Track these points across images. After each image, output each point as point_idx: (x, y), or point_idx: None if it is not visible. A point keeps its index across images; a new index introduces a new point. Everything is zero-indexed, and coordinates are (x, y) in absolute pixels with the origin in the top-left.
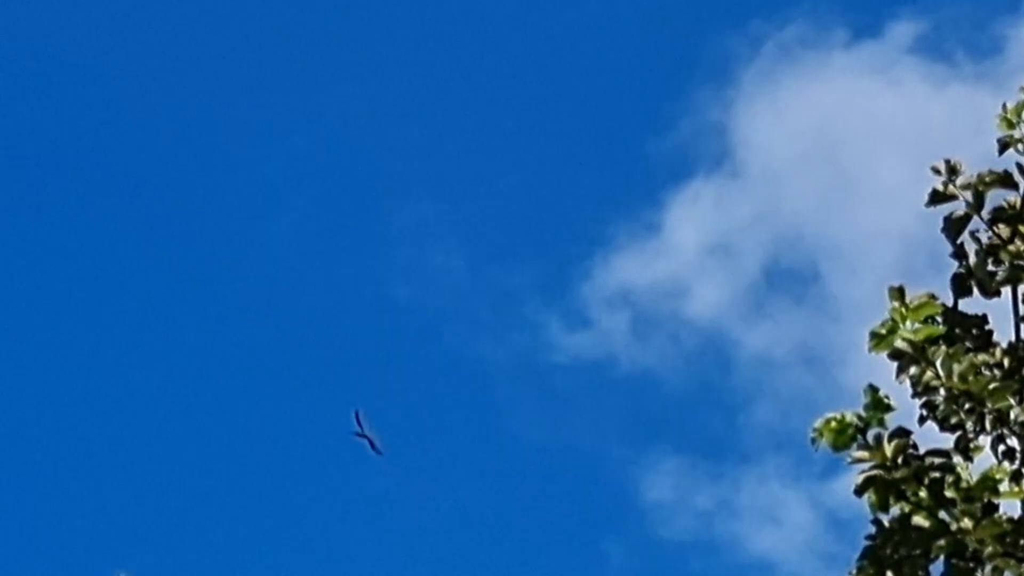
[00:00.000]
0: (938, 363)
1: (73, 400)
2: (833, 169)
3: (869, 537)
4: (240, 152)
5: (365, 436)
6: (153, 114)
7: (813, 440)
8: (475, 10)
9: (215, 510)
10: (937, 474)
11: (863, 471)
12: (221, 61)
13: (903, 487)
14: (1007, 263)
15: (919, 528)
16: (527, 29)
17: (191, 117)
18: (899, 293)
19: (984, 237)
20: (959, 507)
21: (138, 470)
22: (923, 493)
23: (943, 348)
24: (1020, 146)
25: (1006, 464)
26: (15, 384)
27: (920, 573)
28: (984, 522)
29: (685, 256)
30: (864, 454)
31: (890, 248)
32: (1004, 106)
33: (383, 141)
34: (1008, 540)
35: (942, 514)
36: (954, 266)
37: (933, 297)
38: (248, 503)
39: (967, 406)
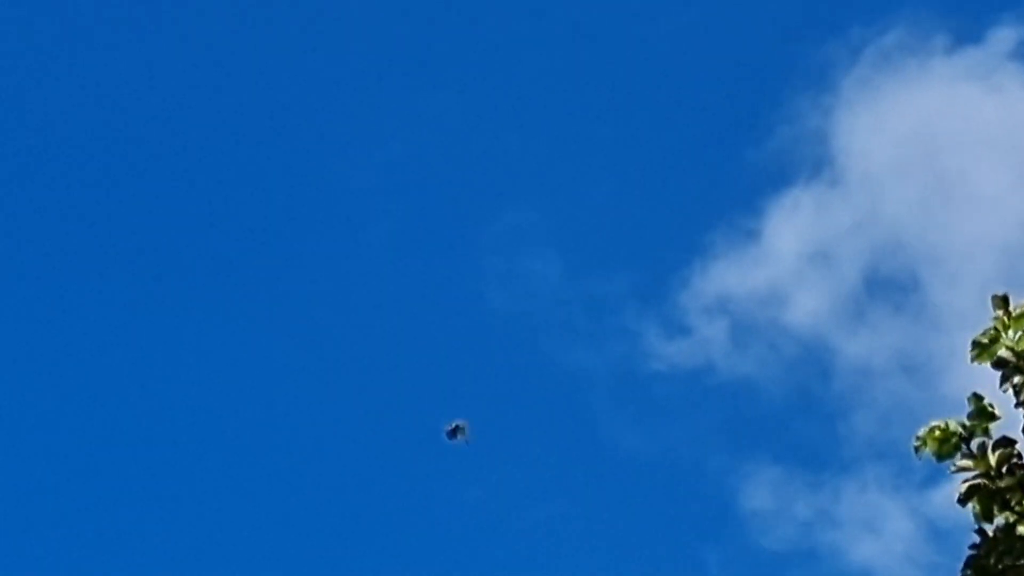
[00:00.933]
0: None
1: (183, 402)
2: (933, 176)
3: (973, 547)
4: (337, 160)
5: (455, 430)
6: (253, 121)
7: (916, 448)
8: (574, 19)
9: (314, 515)
10: None
11: (967, 480)
12: (318, 68)
13: (1008, 496)
14: None
15: None
16: (626, 37)
17: (289, 124)
18: (1002, 302)
19: None
20: None
21: (236, 474)
22: None
23: None
24: None
25: None
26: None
27: None
28: None
29: (784, 263)
30: (968, 463)
31: (991, 255)
32: None
33: (480, 148)
34: None
35: None
36: None
37: None
38: (345, 509)
39: None
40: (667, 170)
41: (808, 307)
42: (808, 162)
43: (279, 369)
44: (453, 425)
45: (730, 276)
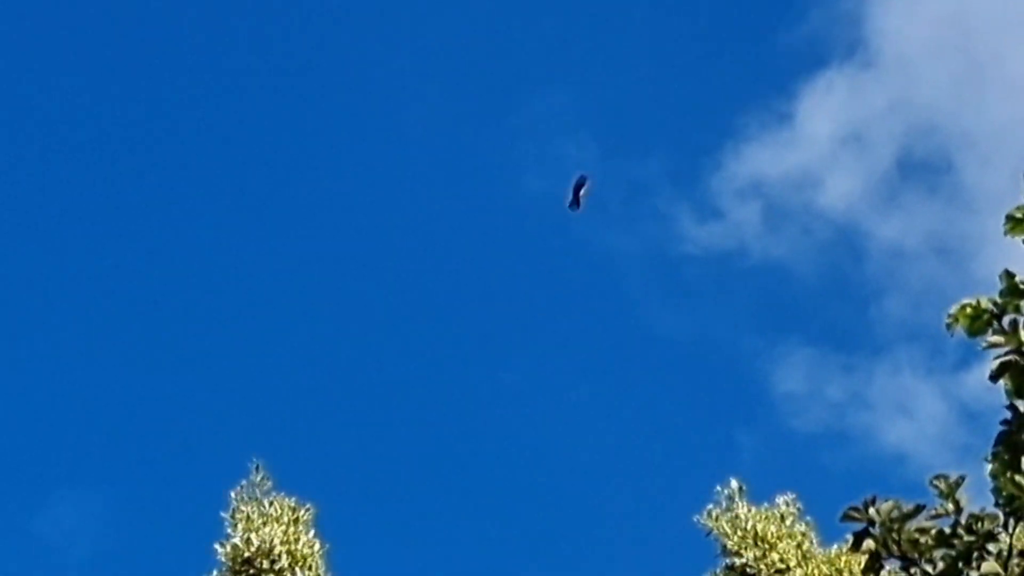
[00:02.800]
0: None
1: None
2: (967, 58)
3: (1004, 423)
4: (372, 45)
5: (579, 194)
6: (289, 5)
7: (948, 326)
8: None
9: (353, 402)
10: None
11: (998, 356)
12: None
13: None
14: None
15: None
16: None
17: (323, 6)
18: None
19: None
20: None
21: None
22: None
23: None
24: None
25: None
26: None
27: None
28: None
29: (817, 147)
30: (1000, 339)
31: None
32: None
33: (515, 32)
34: None
35: None
36: None
37: None
38: (379, 396)
39: None
40: (701, 53)
41: (841, 190)
42: (842, 44)
43: (311, 254)
44: (578, 185)
45: (763, 159)
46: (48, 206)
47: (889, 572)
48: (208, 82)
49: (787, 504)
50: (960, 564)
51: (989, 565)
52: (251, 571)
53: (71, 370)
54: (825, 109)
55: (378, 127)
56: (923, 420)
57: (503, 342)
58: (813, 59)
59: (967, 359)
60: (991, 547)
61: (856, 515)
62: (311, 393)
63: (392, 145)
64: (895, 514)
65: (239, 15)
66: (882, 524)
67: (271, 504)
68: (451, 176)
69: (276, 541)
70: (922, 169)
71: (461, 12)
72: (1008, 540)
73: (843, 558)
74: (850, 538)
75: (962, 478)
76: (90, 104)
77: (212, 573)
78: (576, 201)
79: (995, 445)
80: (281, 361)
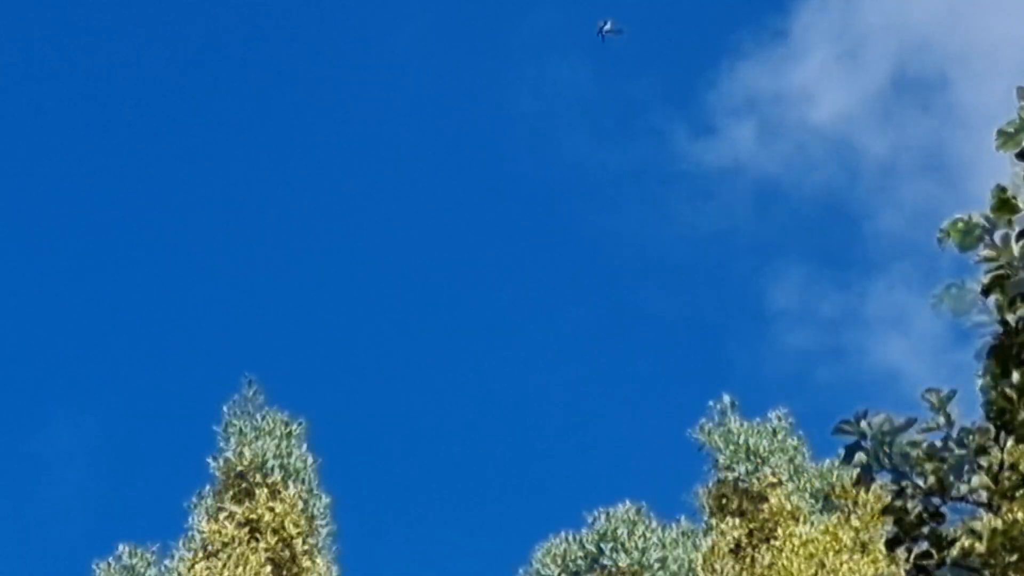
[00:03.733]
0: None
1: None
2: None
3: (995, 336)
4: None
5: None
6: None
7: (939, 240)
8: None
9: (345, 320)
10: None
11: (990, 271)
12: None
13: None
14: None
15: None
16: None
17: None
18: None
19: None
20: None
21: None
22: None
23: None
24: None
25: None
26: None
27: None
28: None
29: (812, 63)
30: (991, 253)
31: (1019, 54)
32: None
33: None
34: None
35: None
36: None
37: None
38: (370, 312)
39: None
40: None
41: (835, 107)
42: None
43: (304, 178)
44: (606, 27)
45: (757, 76)
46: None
47: (880, 485)
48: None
49: (779, 419)
50: (951, 477)
51: (980, 479)
52: (244, 484)
53: (65, 292)
54: (820, 26)
55: (372, 50)
56: (917, 336)
57: (499, 260)
58: None
59: (961, 275)
60: (982, 461)
61: (848, 429)
62: (303, 310)
63: (384, 68)
64: (886, 427)
65: None
66: (873, 437)
67: (263, 418)
68: (444, 97)
69: (269, 455)
70: (916, 86)
71: None
72: (999, 454)
73: (835, 472)
74: (842, 452)
75: (953, 392)
76: (79, 100)
77: (205, 487)
78: (603, 34)
79: (986, 357)
80: (274, 279)
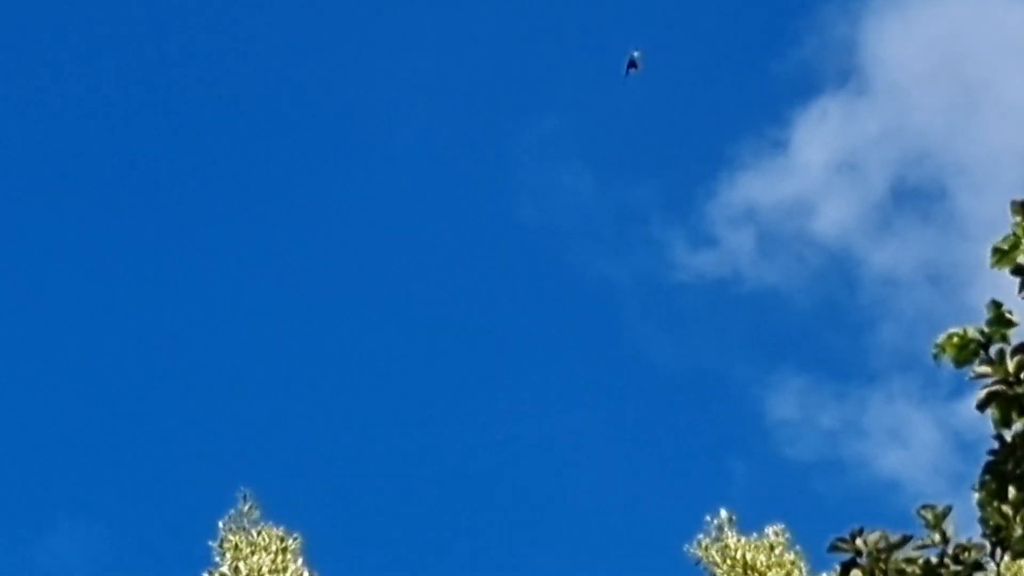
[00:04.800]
0: None
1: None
2: (961, 84)
3: (991, 452)
4: (368, 71)
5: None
6: (286, 34)
7: (935, 356)
8: None
9: (342, 429)
10: None
11: (985, 386)
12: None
13: None
14: None
15: None
16: None
17: (322, 36)
18: (1022, 208)
19: None
20: None
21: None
22: None
23: None
24: None
25: None
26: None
27: None
28: None
29: (811, 174)
30: (986, 369)
31: (1018, 163)
32: None
33: (508, 57)
34: None
35: None
36: None
37: None
38: (371, 424)
39: None
40: (695, 80)
41: (835, 217)
42: (835, 71)
43: (306, 278)
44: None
45: (757, 186)
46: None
47: None
48: (209, 99)
49: (776, 534)
50: None
51: None
52: None
53: (69, 404)
54: (819, 136)
55: (376, 156)
56: (917, 448)
57: (497, 369)
58: (807, 86)
59: (960, 387)
60: None
61: (843, 546)
62: (299, 424)
63: (387, 173)
64: (882, 545)
65: (238, 39)
66: (869, 555)
67: (259, 533)
68: (446, 204)
69: (264, 570)
70: (915, 196)
71: (455, 40)
72: (995, 570)
73: None
74: (838, 569)
75: (948, 508)
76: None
77: None
78: (628, 70)
79: (983, 474)
80: (270, 392)
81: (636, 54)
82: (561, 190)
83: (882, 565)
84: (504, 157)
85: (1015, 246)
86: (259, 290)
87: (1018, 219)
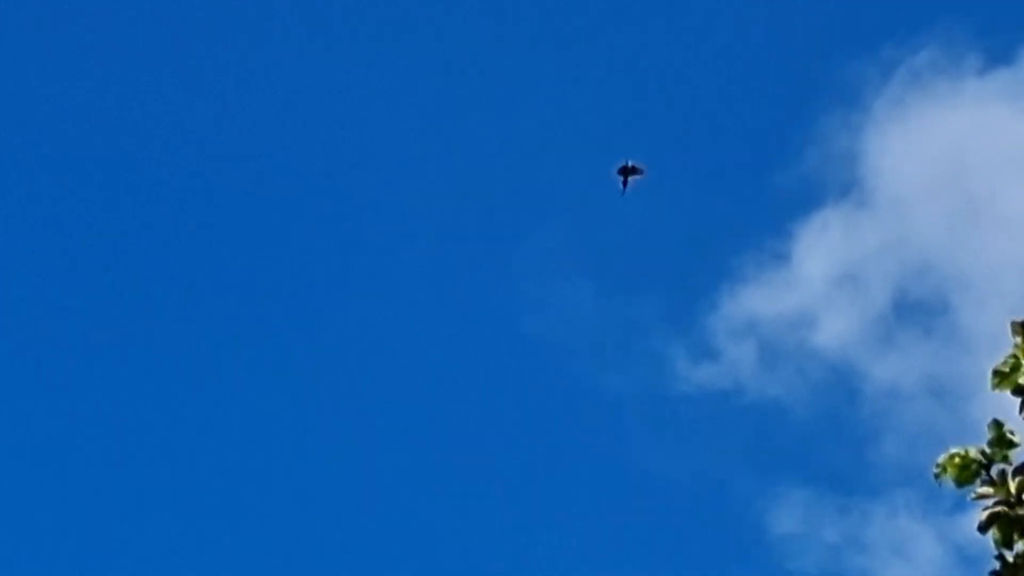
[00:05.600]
0: None
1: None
2: (963, 197)
3: (993, 573)
4: (366, 184)
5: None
6: (284, 144)
7: (937, 475)
8: (600, 39)
9: (336, 549)
10: None
11: (987, 507)
12: (349, 91)
13: None
14: None
15: None
16: (652, 58)
17: (319, 149)
18: (1022, 328)
19: None
20: None
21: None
22: None
23: None
24: None
25: None
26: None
27: None
28: None
29: (813, 286)
30: (988, 490)
31: (1021, 278)
32: None
33: (508, 171)
34: None
35: None
36: None
37: None
38: (369, 550)
39: None
40: (696, 193)
41: (836, 330)
42: (837, 183)
43: (305, 391)
44: (628, 170)
45: (758, 299)
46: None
47: None
48: (210, 246)
49: None
50: None
51: None
52: None
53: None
54: (820, 249)
55: (375, 269)
56: (920, 563)
57: (497, 482)
58: (808, 199)
59: (963, 503)
60: None
61: None
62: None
63: (387, 286)
64: None
65: (238, 162)
66: None
67: None
68: (447, 317)
69: None
70: (918, 310)
71: (456, 153)
72: None
73: None
74: None
75: None
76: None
77: None
78: (625, 181)
79: None
80: (276, 538)
81: (630, 164)
82: (562, 303)
83: None
84: (504, 271)
85: (1016, 368)
86: (263, 406)
87: (1018, 340)
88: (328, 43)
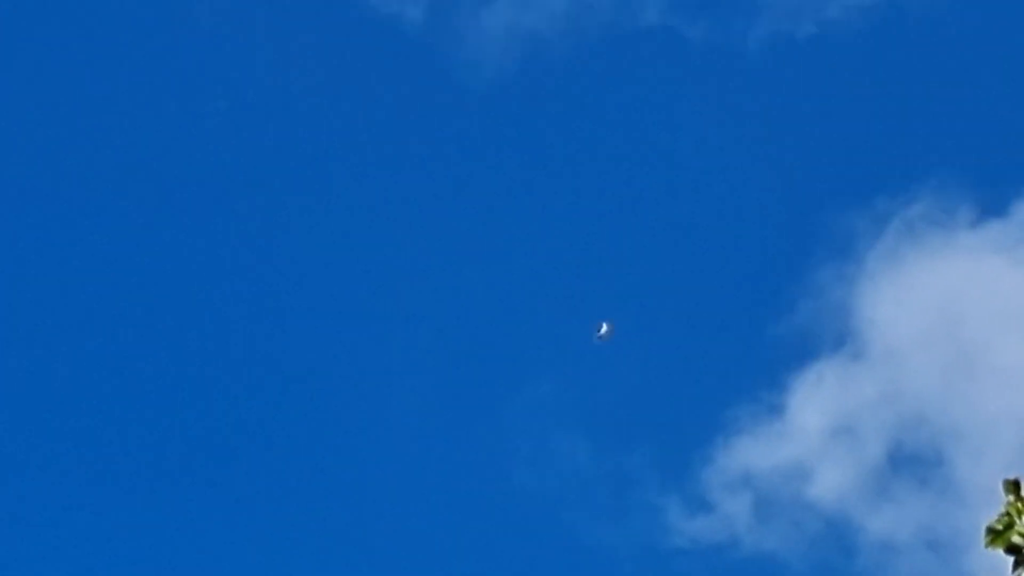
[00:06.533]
0: None
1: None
2: (957, 348)
3: None
4: (361, 338)
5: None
6: (281, 305)
7: None
8: (595, 193)
9: None
10: None
11: None
12: (346, 256)
13: None
14: None
15: None
16: (649, 211)
17: (316, 306)
18: (1014, 487)
19: None
20: None
21: None
22: None
23: None
24: None
25: None
26: None
27: None
28: None
29: (808, 438)
30: None
31: (1016, 430)
32: None
33: (503, 325)
34: None
35: None
36: None
37: None
38: None
39: None
40: (690, 345)
41: (832, 482)
42: (831, 335)
43: (303, 546)
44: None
45: (753, 451)
46: None
47: None
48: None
49: None
50: None
51: None
52: None
53: None
54: (815, 401)
55: (370, 423)
56: None
57: None
58: (803, 350)
59: None
60: None
61: None
62: None
63: (382, 438)
64: None
65: (243, 324)
66: None
67: None
68: (442, 470)
69: None
70: (913, 461)
71: (449, 307)
72: None
73: None
74: None
75: None
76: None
77: None
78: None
79: None
80: None
81: (604, 329)
82: (556, 456)
83: None
84: (498, 423)
85: (1008, 526)
86: (270, 569)
87: (1011, 498)
88: (325, 207)
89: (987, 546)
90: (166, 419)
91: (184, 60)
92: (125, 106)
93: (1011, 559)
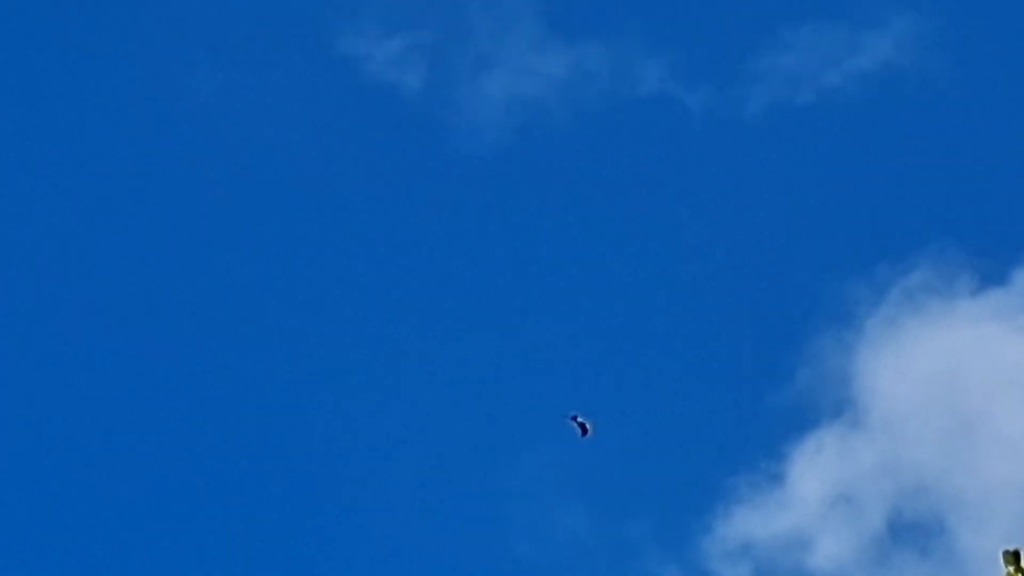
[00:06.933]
0: None
1: None
2: (956, 417)
3: None
4: (360, 411)
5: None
6: (280, 381)
7: None
8: (592, 262)
9: None
10: None
11: None
12: (339, 328)
13: None
14: None
15: None
16: (647, 279)
17: (314, 379)
18: (1013, 557)
19: None
20: None
21: None
22: None
23: None
24: None
25: None
26: None
27: None
28: None
29: (808, 508)
30: None
31: (1017, 499)
32: None
33: (502, 393)
34: None
35: None
36: None
37: None
38: None
39: None
40: (690, 415)
41: (832, 551)
42: (831, 403)
43: None
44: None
45: (753, 521)
46: None
47: None
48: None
49: None
50: None
51: None
52: None
53: None
54: (815, 470)
55: (369, 495)
56: None
57: None
58: (803, 419)
59: None
60: None
61: None
62: None
63: (381, 507)
64: None
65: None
66: None
67: None
68: (441, 540)
69: None
70: (913, 530)
71: (448, 375)
72: None
73: None
74: None
75: None
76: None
77: None
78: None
79: None
80: None
81: (585, 424)
82: (556, 525)
83: None
84: (498, 492)
85: None
86: None
87: (1011, 569)
88: (324, 274)
89: None
90: (169, 517)
91: (182, 130)
92: (125, 185)
93: None
